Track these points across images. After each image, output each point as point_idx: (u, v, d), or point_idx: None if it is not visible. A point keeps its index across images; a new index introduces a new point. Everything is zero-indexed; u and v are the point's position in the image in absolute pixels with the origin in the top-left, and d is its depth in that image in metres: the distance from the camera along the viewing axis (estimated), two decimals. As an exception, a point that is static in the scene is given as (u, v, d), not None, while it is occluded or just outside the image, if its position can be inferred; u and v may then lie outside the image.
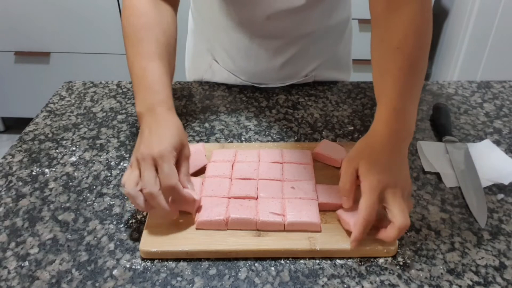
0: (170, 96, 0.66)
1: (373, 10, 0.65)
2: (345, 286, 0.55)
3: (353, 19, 0.99)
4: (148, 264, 0.57)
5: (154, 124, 0.61)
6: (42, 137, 0.82)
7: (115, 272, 0.56)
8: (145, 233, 0.60)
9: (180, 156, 0.61)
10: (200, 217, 0.60)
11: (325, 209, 0.63)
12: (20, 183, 0.71)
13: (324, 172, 0.70)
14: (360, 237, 0.56)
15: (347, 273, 0.56)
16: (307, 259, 0.58)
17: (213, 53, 0.96)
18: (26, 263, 0.57)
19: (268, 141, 0.80)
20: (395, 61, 0.61)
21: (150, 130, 0.61)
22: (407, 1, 0.60)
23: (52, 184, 0.70)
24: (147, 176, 0.56)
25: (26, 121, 0.97)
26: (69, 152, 0.78)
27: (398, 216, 0.55)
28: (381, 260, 0.58)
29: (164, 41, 0.70)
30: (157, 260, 0.58)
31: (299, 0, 0.81)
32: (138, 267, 0.57)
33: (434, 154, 0.76)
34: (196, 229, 0.60)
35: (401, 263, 0.57)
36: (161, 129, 0.61)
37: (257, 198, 0.64)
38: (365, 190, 0.57)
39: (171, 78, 0.70)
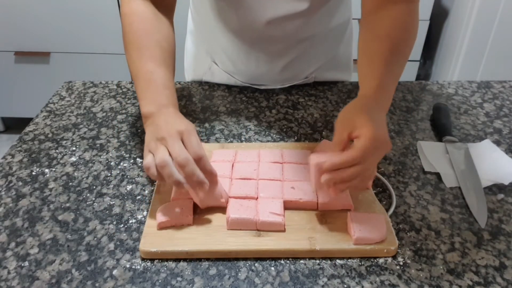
0: (177, 101, 0.69)
1: (364, 6, 0.73)
2: (345, 286, 0.55)
3: (353, 19, 0.99)
4: (148, 264, 0.57)
5: (170, 116, 0.63)
6: (42, 137, 0.82)
7: (115, 272, 0.56)
8: (145, 233, 0.60)
9: None
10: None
11: (325, 209, 0.63)
12: (20, 183, 0.71)
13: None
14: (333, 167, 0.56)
15: (347, 273, 0.56)
16: (307, 259, 0.58)
17: (213, 55, 0.96)
18: (26, 263, 0.57)
19: (268, 141, 0.80)
20: (384, 46, 0.68)
21: (166, 120, 0.62)
22: (396, 1, 0.69)
23: (52, 184, 0.70)
24: (178, 146, 0.58)
25: (26, 121, 0.97)
26: (69, 152, 0.78)
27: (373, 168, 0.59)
28: (381, 260, 0.58)
29: (166, 47, 0.72)
30: (157, 260, 0.58)
31: (300, 5, 0.81)
32: (138, 267, 0.57)
33: (434, 154, 0.76)
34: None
35: (401, 263, 0.57)
36: (177, 118, 0.63)
37: (257, 198, 0.64)
38: (366, 136, 0.56)
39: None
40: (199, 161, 0.58)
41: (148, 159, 0.59)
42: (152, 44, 0.71)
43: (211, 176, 0.60)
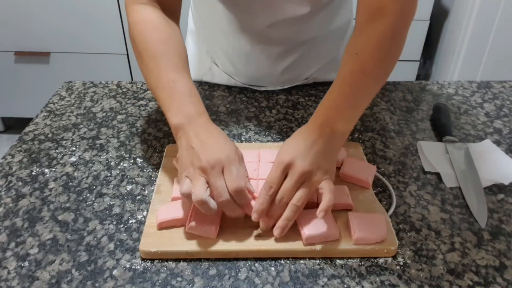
0: (204, 107, 0.66)
1: (357, 19, 0.68)
2: (345, 286, 0.55)
3: (354, 19, 0.99)
4: (148, 264, 0.57)
5: (203, 133, 0.61)
6: (42, 137, 0.82)
7: (115, 272, 0.56)
8: (145, 233, 0.60)
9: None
10: (193, 221, 0.59)
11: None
12: (20, 183, 0.71)
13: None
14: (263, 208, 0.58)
15: (347, 273, 0.56)
16: (307, 259, 0.58)
17: (213, 56, 0.95)
18: (26, 263, 0.57)
19: (268, 141, 0.80)
20: (349, 65, 0.64)
21: (200, 140, 0.60)
22: (384, 14, 0.63)
23: (52, 184, 0.70)
24: (220, 185, 0.56)
25: (26, 121, 0.97)
26: (69, 152, 0.78)
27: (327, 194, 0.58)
28: (381, 260, 0.58)
29: (183, 54, 0.70)
30: (157, 260, 0.58)
31: (302, 9, 0.80)
32: (138, 267, 0.57)
33: (434, 154, 0.76)
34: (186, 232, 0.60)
35: (401, 263, 0.57)
36: (213, 138, 0.61)
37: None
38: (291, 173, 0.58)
39: None
40: (240, 193, 0.57)
41: (186, 186, 0.57)
42: (169, 51, 0.68)
43: (247, 208, 0.59)
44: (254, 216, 0.58)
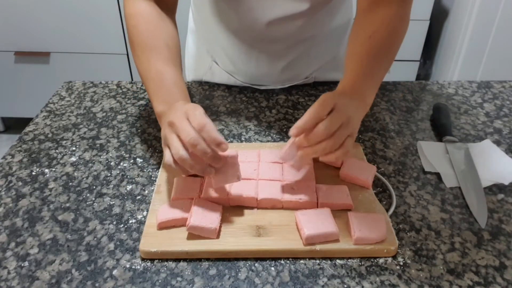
0: (189, 97, 0.69)
1: (359, 5, 0.75)
2: (345, 286, 0.55)
3: (353, 19, 0.99)
4: (148, 264, 0.57)
5: (179, 105, 0.63)
6: (42, 137, 0.82)
7: (115, 272, 0.56)
8: (145, 233, 0.60)
9: None
10: (193, 221, 0.59)
11: (325, 209, 0.63)
12: (20, 183, 0.71)
13: (324, 172, 0.70)
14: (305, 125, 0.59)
15: (347, 273, 0.56)
16: (307, 259, 0.58)
17: (213, 54, 0.95)
18: (26, 263, 0.57)
19: (268, 141, 0.80)
20: (365, 47, 0.70)
21: (175, 108, 0.62)
22: (388, 3, 0.71)
23: (52, 184, 0.70)
24: (185, 126, 0.57)
25: (26, 121, 0.97)
26: (69, 152, 0.78)
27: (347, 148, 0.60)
28: (381, 260, 0.58)
29: (173, 46, 0.73)
30: (157, 260, 0.58)
31: (301, 5, 0.80)
32: (138, 267, 0.57)
33: (434, 154, 0.76)
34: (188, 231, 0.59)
35: (401, 263, 0.57)
36: (186, 104, 0.63)
37: (257, 198, 0.64)
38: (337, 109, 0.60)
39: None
40: (202, 130, 0.57)
41: (167, 156, 0.59)
42: (159, 44, 0.71)
43: (220, 145, 0.57)
44: (292, 132, 0.59)
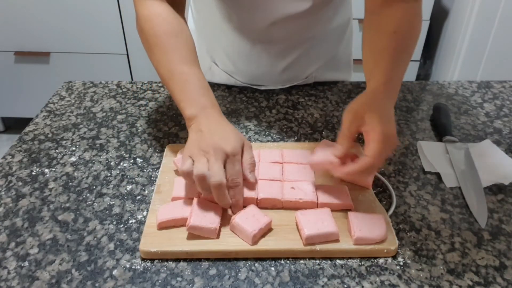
0: (216, 101, 0.70)
1: (369, 4, 0.75)
2: (345, 286, 0.55)
3: (353, 19, 0.99)
4: (148, 264, 0.57)
5: (214, 125, 0.65)
6: (42, 137, 0.82)
7: (115, 272, 0.56)
8: (145, 233, 0.60)
9: (242, 150, 0.64)
10: (193, 221, 0.58)
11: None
12: (20, 183, 0.71)
13: (324, 172, 0.70)
14: (358, 173, 0.61)
15: (347, 273, 0.56)
16: (307, 259, 0.58)
17: (213, 54, 0.95)
18: (26, 263, 0.57)
19: (268, 141, 0.80)
20: (390, 42, 0.70)
21: (210, 130, 0.63)
22: (400, 0, 0.71)
23: (52, 184, 0.70)
24: (218, 168, 0.59)
25: (26, 121, 0.97)
26: (69, 152, 0.78)
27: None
28: (381, 260, 0.58)
29: (192, 47, 0.73)
30: (157, 260, 0.58)
31: (303, 5, 0.80)
32: (138, 267, 0.57)
33: (434, 154, 0.76)
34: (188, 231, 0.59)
35: (401, 263, 0.57)
36: (222, 127, 0.65)
37: (257, 198, 0.64)
38: (376, 138, 0.60)
39: None
40: (236, 188, 0.61)
41: (187, 165, 0.60)
42: (180, 45, 0.71)
43: (237, 204, 0.62)
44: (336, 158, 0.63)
